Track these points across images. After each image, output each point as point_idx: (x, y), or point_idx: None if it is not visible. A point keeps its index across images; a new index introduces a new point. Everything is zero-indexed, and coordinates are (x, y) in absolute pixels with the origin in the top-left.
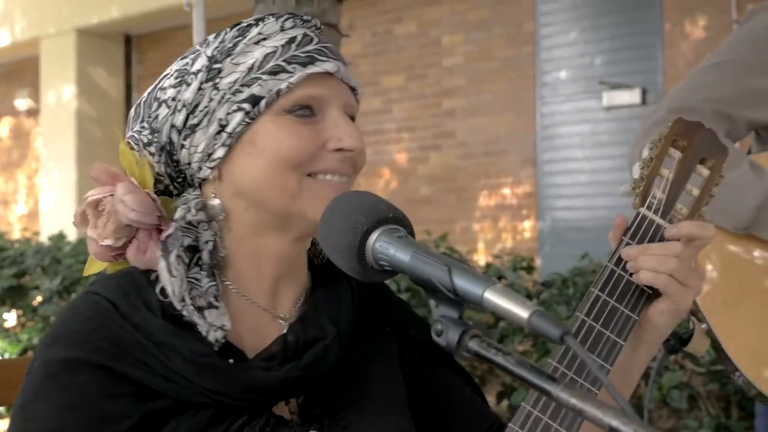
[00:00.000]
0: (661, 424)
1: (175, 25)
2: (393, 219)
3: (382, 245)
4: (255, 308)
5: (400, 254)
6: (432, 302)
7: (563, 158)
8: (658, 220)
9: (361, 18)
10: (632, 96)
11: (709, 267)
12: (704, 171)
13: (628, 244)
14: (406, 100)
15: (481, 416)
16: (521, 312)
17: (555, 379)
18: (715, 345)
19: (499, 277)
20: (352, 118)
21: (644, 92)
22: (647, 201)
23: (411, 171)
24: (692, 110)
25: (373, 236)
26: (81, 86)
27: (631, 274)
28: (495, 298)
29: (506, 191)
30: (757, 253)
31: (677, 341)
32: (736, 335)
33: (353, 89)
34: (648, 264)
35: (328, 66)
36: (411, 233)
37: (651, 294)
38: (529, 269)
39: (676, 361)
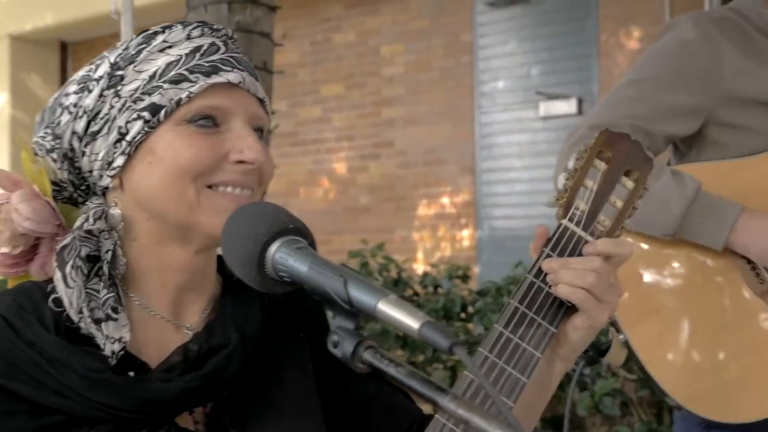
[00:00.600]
0: (595, 430)
1: (111, 33)
2: (294, 230)
3: (281, 256)
4: (158, 320)
5: (299, 265)
6: (329, 313)
7: (501, 167)
8: (579, 232)
9: (299, 27)
10: (569, 106)
11: (627, 277)
12: (629, 183)
13: (548, 255)
14: (345, 109)
15: (403, 415)
16: (412, 323)
17: (444, 390)
18: (633, 356)
19: (435, 287)
20: (261, 130)
21: (580, 102)
22: (570, 212)
23: (350, 180)
24: (611, 126)
25: (273, 247)
26: (15, 93)
27: (550, 287)
28: (388, 309)
29: (445, 200)
30: (675, 264)
31: (596, 352)
32: (652, 346)
33: (262, 101)
34: (566, 278)
35: (232, 76)
36: (312, 244)
37: (569, 308)
38: (465, 278)
39: (608, 368)
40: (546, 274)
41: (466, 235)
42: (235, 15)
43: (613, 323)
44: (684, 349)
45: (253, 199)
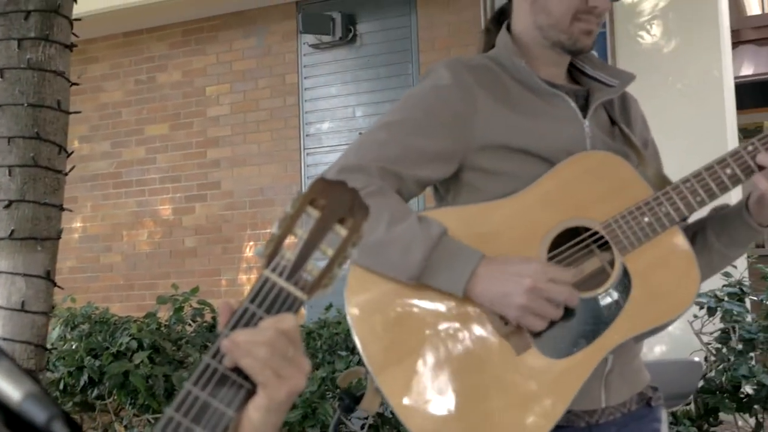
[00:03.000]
0: None
1: None
2: None
3: None
4: None
5: None
6: None
7: None
8: (282, 282)
9: (123, 65)
10: None
11: (377, 322)
12: (342, 231)
13: (246, 308)
14: (170, 150)
15: None
16: (13, 394)
17: None
18: (386, 402)
19: None
20: None
21: None
22: (274, 262)
23: (176, 222)
24: (360, 168)
25: None
26: None
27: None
28: None
29: None
30: (424, 308)
31: (351, 400)
32: (402, 392)
33: None
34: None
35: None
36: None
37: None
38: None
39: None
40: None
41: None
42: (26, 53)
43: (368, 369)
44: (432, 394)
45: None
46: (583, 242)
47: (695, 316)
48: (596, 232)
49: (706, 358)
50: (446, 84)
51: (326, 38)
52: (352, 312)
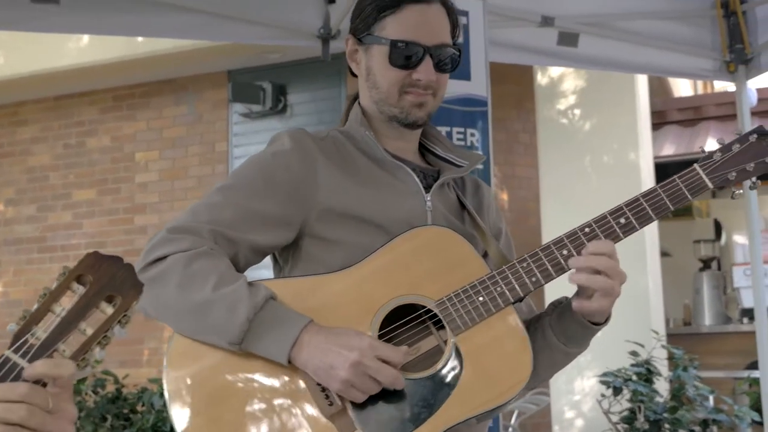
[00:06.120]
0: None
1: None
2: None
3: None
4: None
5: None
6: None
7: (254, 278)
8: (23, 364)
9: (52, 129)
10: None
11: (198, 398)
12: (108, 309)
13: None
14: (96, 215)
15: None
16: None
17: None
18: None
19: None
20: None
21: None
22: (20, 341)
23: None
24: (191, 230)
25: None
26: None
27: None
28: None
29: None
30: (250, 382)
31: None
32: None
33: None
34: None
35: None
36: None
37: None
38: None
39: None
40: None
41: None
42: None
43: None
44: None
45: None
46: (419, 320)
47: (603, 396)
48: (431, 310)
49: None
50: (286, 150)
51: (256, 107)
52: (170, 388)
